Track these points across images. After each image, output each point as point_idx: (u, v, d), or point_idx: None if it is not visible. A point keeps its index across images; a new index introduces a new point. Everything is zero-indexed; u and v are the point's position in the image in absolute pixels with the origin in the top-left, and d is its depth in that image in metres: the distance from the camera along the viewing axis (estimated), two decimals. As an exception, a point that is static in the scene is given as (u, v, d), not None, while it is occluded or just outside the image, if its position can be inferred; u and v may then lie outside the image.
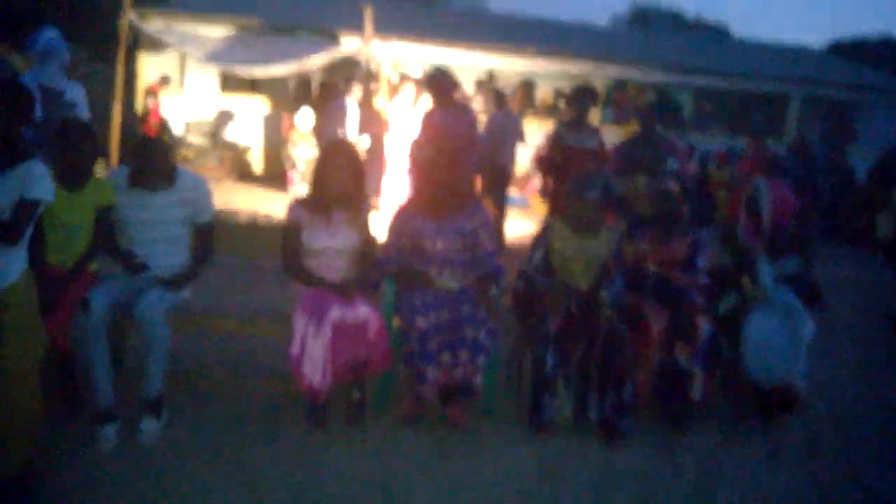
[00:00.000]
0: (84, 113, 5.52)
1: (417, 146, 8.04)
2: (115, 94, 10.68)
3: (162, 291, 3.50)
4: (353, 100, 10.20)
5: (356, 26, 11.54)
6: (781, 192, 4.41)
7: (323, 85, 13.62)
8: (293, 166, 11.34)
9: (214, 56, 11.79)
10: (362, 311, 3.57)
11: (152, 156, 3.56)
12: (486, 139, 9.79)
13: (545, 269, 4.14)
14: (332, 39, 12.26)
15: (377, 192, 9.18)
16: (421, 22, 14.56)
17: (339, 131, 9.29)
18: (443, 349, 3.71)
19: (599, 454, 3.75)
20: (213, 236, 3.92)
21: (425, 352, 3.64)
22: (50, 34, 5.27)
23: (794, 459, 3.89)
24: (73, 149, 3.52)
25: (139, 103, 12.96)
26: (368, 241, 3.90)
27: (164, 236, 3.71)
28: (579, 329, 3.85)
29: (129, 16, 10.56)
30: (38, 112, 5.12)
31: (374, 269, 3.90)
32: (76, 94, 5.46)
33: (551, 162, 6.64)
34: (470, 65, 13.78)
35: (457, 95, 8.51)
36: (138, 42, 12.48)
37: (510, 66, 13.57)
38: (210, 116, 12.67)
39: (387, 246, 4.04)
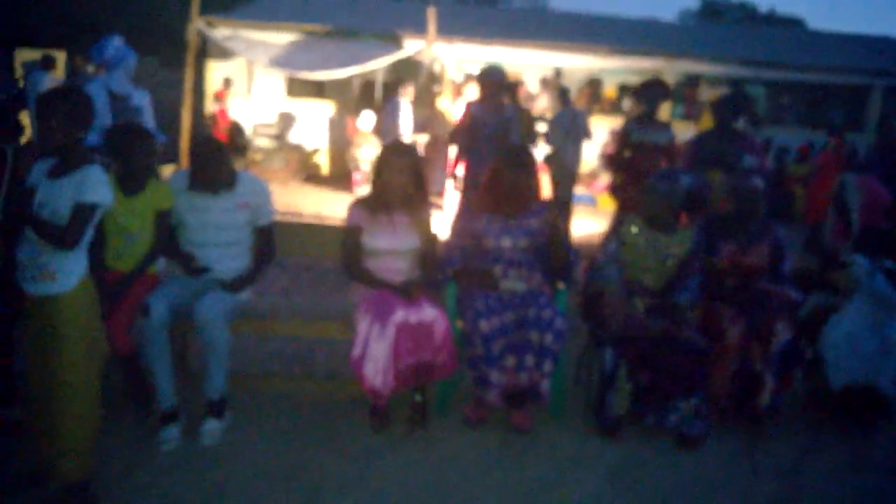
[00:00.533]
0: (149, 118, 5.61)
1: (453, 133, 8.02)
2: (184, 100, 10.91)
3: (221, 294, 3.48)
4: (406, 100, 10.18)
5: (420, 29, 11.52)
6: (872, 186, 4.13)
7: (386, 87, 13.70)
8: (357, 167, 11.37)
9: (278, 61, 11.94)
10: (428, 312, 3.48)
11: (209, 159, 3.53)
12: (551, 137, 9.68)
13: (616, 261, 3.98)
14: (396, 42, 12.26)
15: (440, 192, 9.12)
16: (484, 22, 14.46)
17: (393, 131, 9.19)
18: (507, 353, 3.60)
19: (672, 460, 3.57)
20: (273, 239, 3.89)
21: (489, 355, 3.52)
22: (116, 42, 5.37)
23: (880, 470, 3.64)
24: (129, 153, 3.54)
25: (208, 108, 13.24)
26: (430, 241, 3.81)
27: (225, 239, 3.69)
28: (642, 329, 3.67)
29: (197, 24, 10.78)
30: (108, 118, 5.24)
31: (436, 270, 3.81)
32: (142, 101, 5.55)
33: (620, 159, 6.45)
34: (536, 63, 13.63)
35: (503, 92, 8.44)
36: (206, 49, 12.77)
37: (576, 63, 13.33)
38: (276, 120, 12.82)
39: (449, 246, 3.95)
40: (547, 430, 3.76)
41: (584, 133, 9.30)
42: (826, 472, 3.57)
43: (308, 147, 12.96)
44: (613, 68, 13.70)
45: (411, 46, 11.88)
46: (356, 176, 11.45)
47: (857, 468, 3.62)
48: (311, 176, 12.44)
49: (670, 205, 3.91)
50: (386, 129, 9.43)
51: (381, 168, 3.73)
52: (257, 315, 4.01)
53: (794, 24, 29.02)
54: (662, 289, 3.93)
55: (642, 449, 3.65)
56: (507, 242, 3.81)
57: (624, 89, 14.58)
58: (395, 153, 3.73)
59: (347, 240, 3.73)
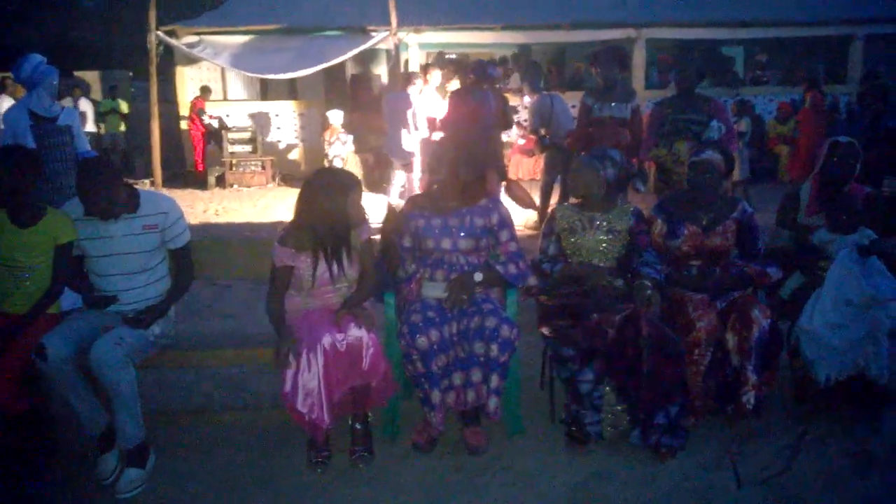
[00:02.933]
0: (80, 139, 5.14)
1: (445, 126, 7.54)
2: (151, 111, 10.43)
3: (124, 331, 3.01)
4: (415, 90, 8.61)
5: (385, 20, 10.99)
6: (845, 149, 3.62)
7: (353, 78, 13.17)
8: (330, 165, 10.89)
9: (243, 64, 11.45)
10: (354, 333, 3.02)
11: (96, 182, 3.03)
12: (532, 125, 9.14)
13: (556, 258, 3.53)
14: (361, 34, 11.73)
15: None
16: (451, 7, 13.87)
17: (396, 132, 8.35)
18: (453, 369, 3.15)
19: (644, 473, 3.09)
20: (190, 263, 3.42)
21: (429, 374, 3.06)
22: (35, 61, 4.88)
23: (886, 470, 3.14)
24: (12, 179, 3.07)
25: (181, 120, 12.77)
26: (365, 265, 3.31)
27: (133, 267, 3.21)
28: (606, 335, 3.19)
29: (155, 33, 10.27)
30: (29, 140, 4.77)
31: (374, 283, 3.35)
32: (70, 119, 5.07)
33: (584, 136, 5.95)
34: (503, 43, 13.10)
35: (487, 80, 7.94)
36: (174, 58, 12.28)
37: (542, 40, 12.79)
38: (250, 123, 12.32)
39: (405, 248, 3.48)
40: (505, 448, 3.29)
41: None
42: (822, 476, 3.06)
43: (282, 148, 12.48)
44: (580, 42, 13.13)
45: (376, 37, 11.37)
46: (331, 173, 10.97)
47: (858, 469, 3.12)
48: (286, 176, 11.96)
49: (601, 184, 3.44)
50: (393, 129, 8.37)
51: (311, 200, 3.19)
52: (192, 345, 3.54)
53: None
54: (617, 265, 3.47)
55: (611, 461, 3.18)
56: (446, 244, 3.34)
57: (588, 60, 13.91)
58: (326, 185, 3.19)
59: (274, 280, 3.25)
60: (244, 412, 3.71)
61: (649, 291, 3.19)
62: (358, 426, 3.19)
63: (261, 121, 12.47)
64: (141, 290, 3.24)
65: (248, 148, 11.62)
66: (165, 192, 11.08)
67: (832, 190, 3.64)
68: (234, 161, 11.50)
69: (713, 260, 3.56)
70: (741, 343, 3.28)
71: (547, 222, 3.60)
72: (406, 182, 8.45)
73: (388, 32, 10.90)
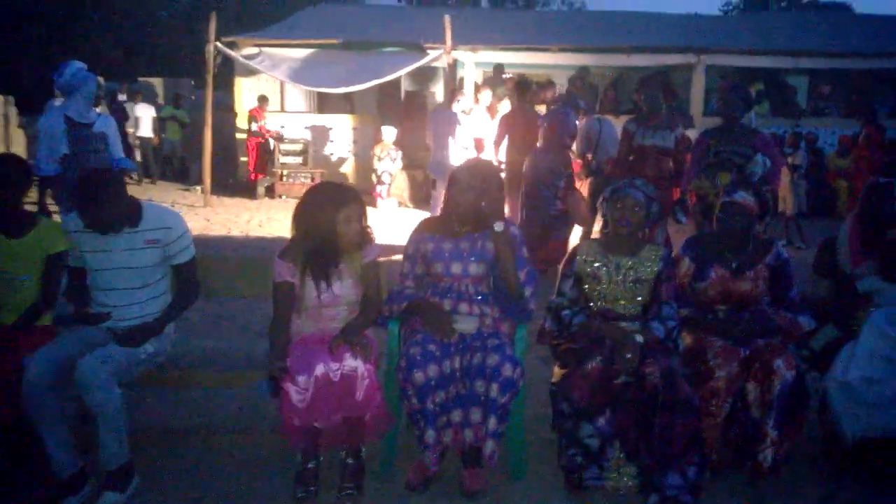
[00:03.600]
0: (116, 145, 5.16)
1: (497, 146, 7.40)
2: (204, 118, 10.55)
3: (112, 349, 2.92)
4: (459, 109, 8.22)
5: (440, 37, 10.91)
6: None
7: (407, 95, 13.13)
8: (378, 181, 10.84)
9: (300, 77, 11.51)
10: (348, 363, 2.86)
11: (96, 194, 2.95)
12: (583, 148, 8.92)
13: (577, 301, 3.29)
14: (417, 52, 11.68)
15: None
16: (511, 26, 13.75)
17: (442, 150, 8.02)
18: (452, 406, 2.96)
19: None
20: (193, 279, 3.31)
21: (424, 411, 2.88)
22: (76, 67, 4.92)
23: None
24: (1, 188, 3.03)
25: (239, 124, 12.93)
26: (369, 289, 3.18)
27: (134, 282, 3.14)
28: (616, 386, 2.95)
29: (214, 43, 10.41)
30: (64, 146, 4.80)
31: (376, 311, 3.19)
32: (106, 127, 5.09)
33: (624, 164, 5.71)
34: (563, 64, 12.86)
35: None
36: (233, 68, 12.44)
37: (602, 62, 12.51)
38: (304, 135, 12.37)
39: (401, 275, 3.32)
40: (506, 492, 3.06)
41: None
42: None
43: (334, 161, 12.50)
44: (640, 66, 12.82)
45: (431, 55, 11.30)
46: (378, 189, 10.92)
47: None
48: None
49: (642, 220, 3.20)
50: (438, 147, 8.09)
51: (301, 213, 3.10)
52: (190, 364, 3.42)
53: (840, 10, 27.25)
54: (642, 311, 3.22)
55: (619, 513, 2.95)
56: (456, 269, 3.16)
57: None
58: (318, 197, 3.08)
59: (277, 300, 3.14)
60: (237, 435, 3.56)
61: (629, 355, 2.92)
62: (350, 461, 3.02)
63: (315, 133, 12.53)
64: (141, 306, 3.15)
65: (300, 160, 11.67)
66: (215, 199, 11.23)
67: (876, 234, 3.32)
68: (284, 172, 11.56)
69: (741, 306, 3.29)
70: (762, 395, 3.01)
71: (567, 261, 3.35)
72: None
73: (442, 50, 10.79)
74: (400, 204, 11.00)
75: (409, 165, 11.10)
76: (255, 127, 11.87)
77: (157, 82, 14.91)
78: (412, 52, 11.66)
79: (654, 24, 14.45)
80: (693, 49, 12.37)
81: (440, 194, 8.27)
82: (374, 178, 10.89)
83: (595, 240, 3.40)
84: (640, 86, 5.63)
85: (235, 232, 8.94)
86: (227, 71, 12.76)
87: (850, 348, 3.07)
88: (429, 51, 11.44)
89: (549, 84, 13.33)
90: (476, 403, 2.89)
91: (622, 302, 3.23)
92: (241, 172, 12.82)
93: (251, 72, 12.24)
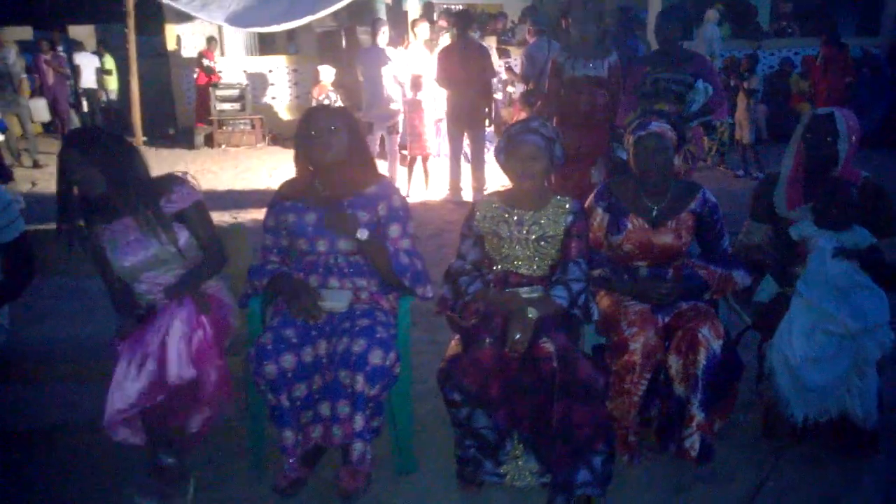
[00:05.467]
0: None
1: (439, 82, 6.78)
2: (129, 67, 9.76)
3: None
4: (382, 43, 7.43)
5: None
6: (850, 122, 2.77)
7: (347, 32, 12.31)
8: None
9: (235, 18, 10.65)
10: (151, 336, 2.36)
11: None
12: (526, 72, 8.30)
13: (479, 265, 2.79)
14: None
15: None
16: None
17: (374, 93, 7.37)
18: (318, 399, 2.48)
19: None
20: (24, 261, 2.78)
21: (279, 408, 2.40)
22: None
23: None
24: None
25: (175, 74, 12.11)
26: (203, 238, 2.69)
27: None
28: (516, 362, 2.46)
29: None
30: None
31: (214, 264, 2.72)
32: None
33: (555, 98, 5.14)
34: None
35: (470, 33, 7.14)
36: (163, 13, 11.57)
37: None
38: (239, 80, 11.59)
39: (264, 248, 2.79)
40: (390, 490, 2.60)
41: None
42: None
43: (276, 107, 11.76)
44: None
45: (370, -13, 10.48)
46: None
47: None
48: (277, 136, 11.26)
49: (544, 169, 2.68)
50: (369, 87, 7.36)
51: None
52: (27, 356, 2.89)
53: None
54: (550, 275, 2.72)
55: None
56: (322, 245, 2.62)
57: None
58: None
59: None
60: (79, 434, 3.03)
61: (519, 335, 2.41)
62: (164, 459, 2.44)
63: (253, 77, 11.74)
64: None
65: (237, 106, 10.92)
66: (152, 151, 10.51)
67: (814, 174, 2.82)
68: (222, 120, 10.83)
69: (664, 261, 2.80)
70: (686, 369, 2.54)
71: (466, 219, 2.82)
72: (390, 146, 7.66)
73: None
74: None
75: (353, 108, 10.40)
76: (207, 64, 11.02)
77: (87, 30, 13.90)
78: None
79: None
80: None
81: (377, 138, 7.69)
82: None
83: (496, 193, 2.87)
84: (566, 9, 4.99)
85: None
86: (157, 14, 11.87)
87: (789, 318, 2.60)
88: (368, -17, 10.62)
89: (501, 14, 12.65)
90: (344, 396, 2.40)
91: (527, 262, 2.73)
92: (180, 122, 12.06)
93: (181, 16, 11.35)
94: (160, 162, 10.02)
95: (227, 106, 10.87)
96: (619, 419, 2.61)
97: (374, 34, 7.26)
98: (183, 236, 2.64)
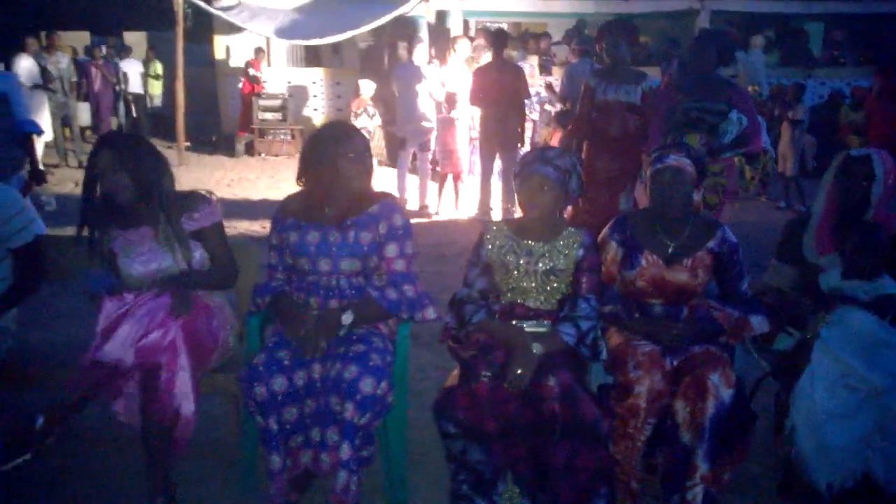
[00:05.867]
0: (18, 106, 4.59)
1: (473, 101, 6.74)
2: (176, 73, 9.93)
3: None
4: (420, 60, 7.58)
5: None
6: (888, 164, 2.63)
7: (389, 47, 12.36)
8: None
9: (284, 31, 10.79)
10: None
11: None
12: (566, 91, 8.20)
13: (486, 294, 2.70)
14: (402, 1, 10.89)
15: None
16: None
17: (409, 108, 7.35)
18: (310, 423, 2.42)
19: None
20: (34, 264, 2.80)
21: (267, 432, 2.34)
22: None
23: None
24: None
25: (221, 83, 12.31)
26: (217, 258, 2.71)
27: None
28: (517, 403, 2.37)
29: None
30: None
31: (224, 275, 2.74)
32: (6, 85, 4.52)
33: (587, 123, 5.04)
34: (558, 12, 12.02)
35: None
36: (212, 23, 11.78)
37: (600, 10, 11.61)
38: (281, 90, 11.71)
39: (270, 266, 2.73)
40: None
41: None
42: None
43: (316, 119, 11.85)
44: (643, 13, 11.92)
45: (409, 4, 10.50)
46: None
47: None
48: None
49: (556, 196, 2.59)
50: (403, 104, 7.36)
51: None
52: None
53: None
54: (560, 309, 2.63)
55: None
56: (325, 265, 2.56)
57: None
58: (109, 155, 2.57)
59: None
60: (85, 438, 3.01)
61: (520, 370, 2.33)
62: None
63: (295, 89, 11.86)
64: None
65: (279, 116, 11.03)
66: (194, 157, 10.68)
67: (847, 218, 2.67)
68: (263, 129, 10.95)
69: (678, 300, 2.68)
70: (693, 417, 2.42)
71: (474, 246, 2.74)
72: (421, 163, 7.63)
73: (422, -1, 10.02)
74: (379, 163, 10.35)
75: (390, 122, 10.42)
76: (253, 73, 11.18)
77: (140, 37, 14.27)
78: (394, 1, 10.87)
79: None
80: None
81: (409, 153, 7.67)
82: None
83: (507, 221, 2.78)
84: (601, 34, 4.89)
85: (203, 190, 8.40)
86: (208, 24, 12.10)
87: (811, 371, 2.45)
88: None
89: (544, 34, 12.57)
90: (334, 422, 2.33)
91: (534, 295, 2.64)
92: (224, 129, 12.24)
93: (231, 27, 11.54)
94: (201, 167, 10.20)
95: (268, 115, 10.99)
96: (622, 464, 2.49)
97: (410, 50, 7.26)
98: (198, 254, 2.64)
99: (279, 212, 2.67)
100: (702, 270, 2.63)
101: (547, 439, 2.32)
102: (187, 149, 10.61)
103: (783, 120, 7.82)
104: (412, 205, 7.55)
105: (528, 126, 8.53)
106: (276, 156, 10.92)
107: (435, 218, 7.35)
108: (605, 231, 2.80)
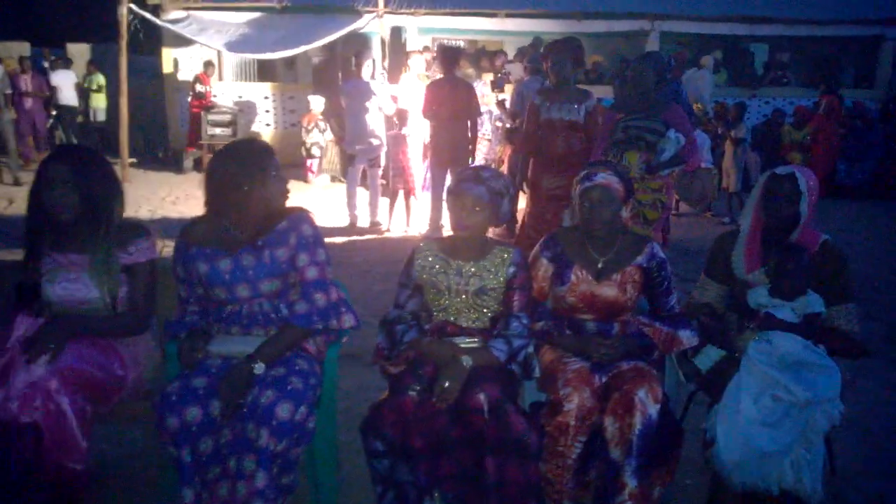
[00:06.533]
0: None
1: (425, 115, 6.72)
2: (120, 88, 9.74)
3: None
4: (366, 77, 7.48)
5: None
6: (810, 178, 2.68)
7: (343, 63, 12.35)
8: (308, 154, 10.12)
9: (235, 45, 10.71)
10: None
11: None
12: (516, 106, 8.25)
13: (418, 314, 2.68)
14: (356, 15, 10.89)
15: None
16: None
17: (356, 126, 7.31)
18: (227, 454, 2.30)
19: None
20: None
21: (180, 463, 2.26)
22: None
23: None
24: None
25: (169, 97, 12.12)
26: (137, 297, 2.56)
27: None
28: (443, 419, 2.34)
29: (127, 5, 9.55)
30: None
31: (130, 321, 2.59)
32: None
33: (533, 140, 5.07)
34: (512, 30, 12.15)
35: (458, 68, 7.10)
36: (160, 36, 11.61)
37: (552, 29, 11.75)
38: (231, 105, 11.57)
39: (180, 299, 2.58)
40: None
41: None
42: None
43: (267, 134, 11.74)
44: (595, 32, 12.13)
45: (364, 19, 10.52)
46: (309, 163, 10.21)
47: None
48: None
49: (487, 216, 2.59)
50: (351, 119, 7.31)
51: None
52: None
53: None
54: (492, 326, 2.62)
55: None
56: (243, 291, 2.43)
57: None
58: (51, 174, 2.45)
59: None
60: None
61: (448, 383, 2.32)
62: None
63: (246, 104, 11.74)
64: None
65: (228, 131, 10.87)
66: (140, 173, 10.46)
67: (776, 236, 2.72)
68: (212, 145, 10.78)
69: (608, 316, 2.69)
70: (621, 433, 2.42)
71: (405, 266, 2.71)
72: (371, 180, 7.58)
73: (375, 14, 10.04)
74: (333, 179, 10.30)
75: (343, 138, 10.38)
76: (200, 89, 10.97)
77: (83, 48, 13.97)
78: (348, 17, 10.88)
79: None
80: (647, 15, 11.74)
81: (358, 170, 7.63)
82: (303, 151, 10.17)
83: (438, 240, 2.77)
84: (546, 53, 4.94)
85: (144, 210, 8.24)
86: (157, 36, 11.91)
87: (738, 381, 2.48)
88: (365, 14, 10.67)
89: (500, 52, 12.69)
90: (251, 450, 2.25)
91: (466, 314, 2.63)
92: (172, 144, 12.04)
93: (179, 40, 11.39)
94: (146, 184, 10.00)
95: (218, 131, 10.84)
96: (554, 482, 2.47)
97: (357, 66, 7.22)
98: (123, 290, 2.53)
99: (181, 242, 2.51)
100: (631, 286, 2.65)
101: (476, 455, 2.30)
102: (132, 165, 10.39)
103: (726, 138, 7.99)
104: (363, 221, 7.50)
105: (486, 144, 8.61)
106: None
107: (387, 235, 7.31)
108: (536, 248, 2.81)
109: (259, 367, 2.32)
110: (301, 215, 2.51)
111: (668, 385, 2.75)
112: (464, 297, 2.59)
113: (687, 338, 2.66)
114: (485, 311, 2.62)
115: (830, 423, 2.40)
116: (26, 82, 11.04)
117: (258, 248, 2.44)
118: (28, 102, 11.02)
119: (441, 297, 2.61)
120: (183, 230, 2.52)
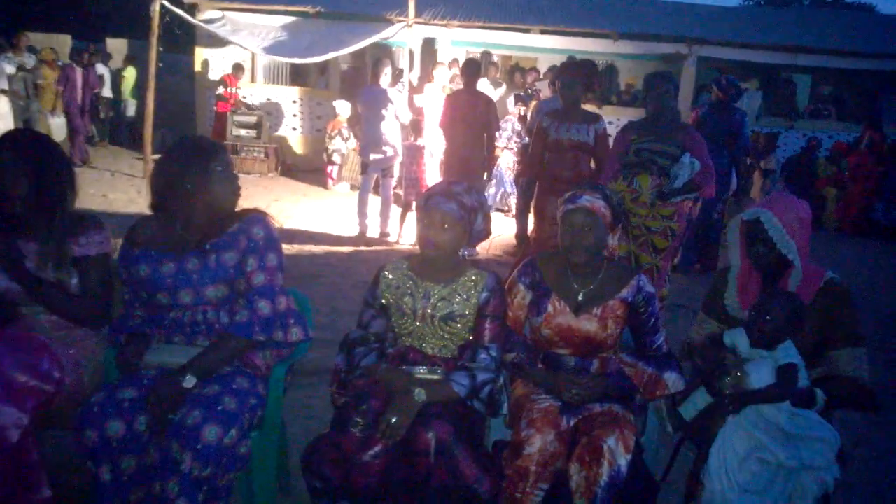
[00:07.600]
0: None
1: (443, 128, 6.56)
2: (148, 84, 9.73)
3: None
4: (386, 85, 7.37)
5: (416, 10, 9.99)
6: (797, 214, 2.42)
7: (373, 71, 12.27)
8: (329, 161, 10.01)
9: (271, 48, 10.67)
10: None
11: None
12: (532, 124, 8.04)
13: (382, 337, 2.48)
14: (386, 24, 10.79)
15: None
16: (491, 4, 12.77)
17: (372, 133, 7.11)
18: (149, 478, 2.10)
19: None
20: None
21: (98, 483, 2.08)
22: None
23: None
24: None
25: (199, 95, 12.15)
26: (91, 290, 2.39)
27: None
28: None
29: (160, 2, 9.55)
30: None
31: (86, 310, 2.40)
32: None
33: (539, 163, 4.86)
34: (545, 48, 11.95)
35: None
36: (194, 35, 11.66)
37: (586, 48, 11.54)
38: (261, 107, 11.56)
39: (126, 302, 2.42)
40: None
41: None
42: None
43: (292, 138, 11.69)
44: (630, 54, 11.90)
45: (393, 28, 10.41)
46: (329, 169, 10.10)
47: None
48: (290, 166, 11.15)
49: (457, 234, 2.39)
50: (367, 128, 7.14)
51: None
52: None
53: (862, 10, 25.82)
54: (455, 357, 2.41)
55: None
56: (186, 296, 2.27)
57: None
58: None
59: None
60: None
61: (394, 419, 2.10)
62: None
63: (272, 106, 11.71)
64: None
65: (253, 133, 10.84)
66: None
67: (773, 276, 2.46)
68: (237, 146, 10.76)
69: (587, 352, 2.46)
70: (588, 483, 2.18)
71: (371, 285, 2.52)
72: (383, 189, 7.41)
73: (404, 24, 9.92)
74: (352, 188, 10.16)
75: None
76: (220, 91, 10.98)
77: (121, 44, 14.12)
78: (380, 25, 10.79)
79: (648, 11, 13.47)
80: (685, 39, 11.46)
81: (370, 178, 7.46)
82: (325, 157, 10.07)
83: (409, 258, 2.57)
84: (557, 74, 4.74)
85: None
86: (192, 35, 11.97)
87: (723, 437, 2.23)
88: (395, 23, 10.57)
89: (532, 69, 12.51)
90: (175, 473, 2.07)
91: (432, 341, 2.42)
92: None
93: (214, 41, 11.41)
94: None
95: (243, 132, 10.80)
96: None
97: (375, 74, 7.08)
98: (73, 283, 2.37)
99: (126, 243, 2.35)
100: (612, 321, 2.41)
101: (419, 501, 2.08)
102: (154, 159, 10.38)
103: (756, 169, 7.67)
104: (373, 231, 7.34)
105: (513, 159, 8.43)
106: (248, 173, 10.71)
107: (396, 247, 7.13)
108: (514, 273, 2.59)
109: (189, 381, 2.13)
110: (255, 217, 2.34)
111: (648, 433, 2.52)
112: (430, 322, 2.39)
113: (672, 381, 2.41)
114: (452, 338, 2.41)
115: (823, 489, 2.14)
116: (81, 75, 11.05)
117: (205, 251, 2.26)
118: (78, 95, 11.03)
119: (406, 321, 2.41)
120: (129, 230, 2.36)
